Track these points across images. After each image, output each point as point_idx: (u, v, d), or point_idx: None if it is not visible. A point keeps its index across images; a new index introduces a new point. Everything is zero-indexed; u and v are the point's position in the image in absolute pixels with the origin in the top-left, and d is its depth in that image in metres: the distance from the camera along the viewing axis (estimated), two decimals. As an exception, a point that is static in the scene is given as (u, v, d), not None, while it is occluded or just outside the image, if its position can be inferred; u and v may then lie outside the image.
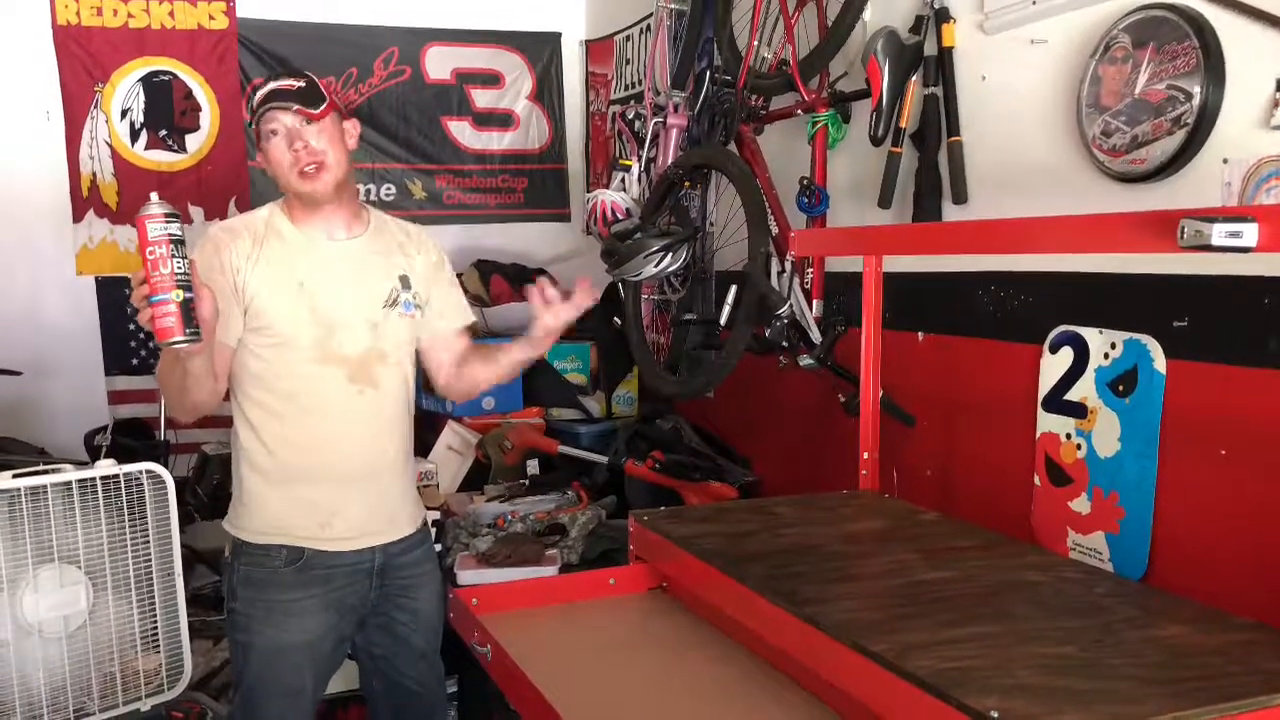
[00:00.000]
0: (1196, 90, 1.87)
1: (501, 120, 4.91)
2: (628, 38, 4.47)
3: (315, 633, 2.08)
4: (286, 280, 2.02)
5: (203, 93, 4.46)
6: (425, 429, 3.68)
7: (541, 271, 4.58)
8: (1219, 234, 1.34)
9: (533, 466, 3.58)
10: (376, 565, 2.14)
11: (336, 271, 2.08)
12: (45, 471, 2.38)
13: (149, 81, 4.40)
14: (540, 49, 4.92)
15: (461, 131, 4.83)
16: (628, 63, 4.49)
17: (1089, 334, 2.14)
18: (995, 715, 1.22)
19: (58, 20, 4.23)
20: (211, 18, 4.42)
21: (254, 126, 2.06)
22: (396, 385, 2.16)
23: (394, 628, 2.21)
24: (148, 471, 2.49)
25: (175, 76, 4.42)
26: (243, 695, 2.11)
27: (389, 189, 4.72)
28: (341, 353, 2.06)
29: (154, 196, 1.76)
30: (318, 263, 2.07)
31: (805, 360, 2.74)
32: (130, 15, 4.32)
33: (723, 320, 2.83)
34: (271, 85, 2.02)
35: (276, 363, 2.03)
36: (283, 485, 2.07)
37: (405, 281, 2.16)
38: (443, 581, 2.33)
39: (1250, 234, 1.34)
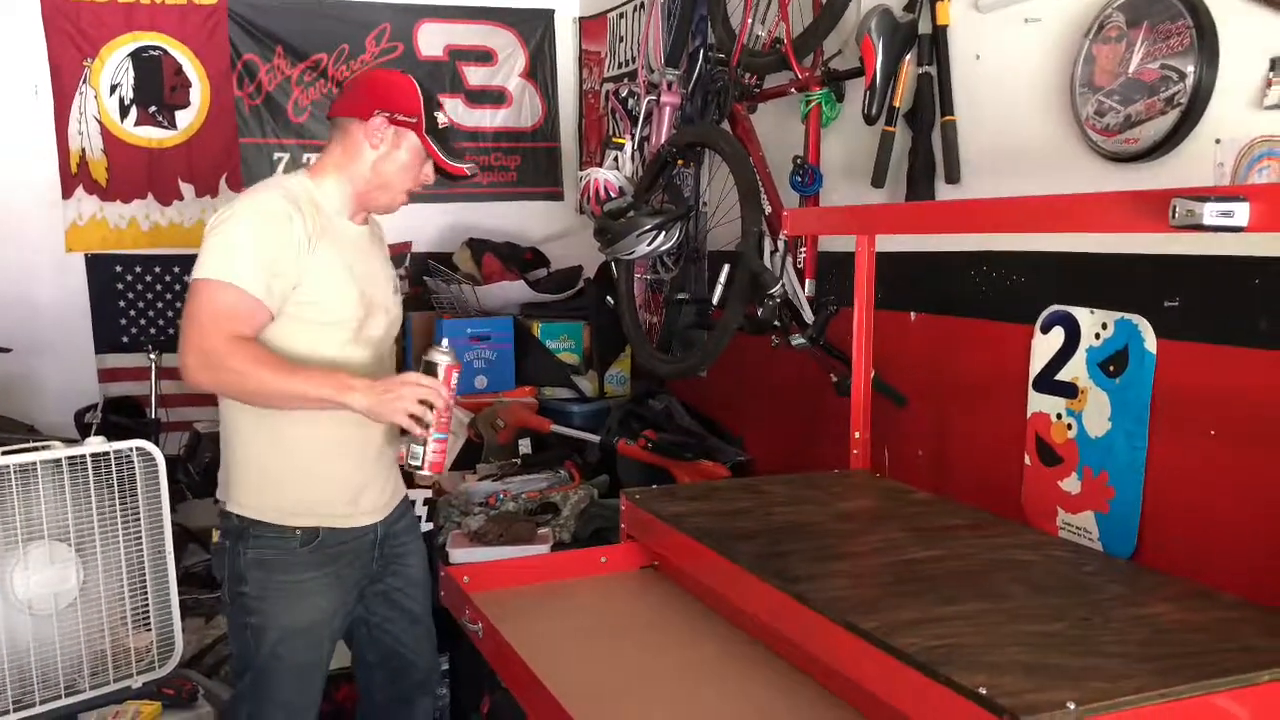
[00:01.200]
0: (1190, 70, 1.86)
1: (494, 98, 4.89)
2: (621, 15, 4.44)
3: (328, 610, 2.11)
4: (338, 262, 2.04)
5: (193, 69, 4.43)
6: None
7: (535, 250, 4.58)
8: (1211, 213, 1.34)
9: (525, 445, 3.59)
10: (379, 537, 2.19)
11: (366, 257, 2.14)
12: (35, 449, 2.37)
13: (139, 57, 4.37)
14: (534, 26, 4.89)
15: (454, 109, 4.80)
16: (621, 40, 4.46)
17: (1080, 314, 2.14)
18: (984, 692, 1.22)
19: (46, -6, 4.20)
20: (201, -8, 4.39)
21: (392, 127, 2.04)
22: (395, 363, 2.26)
23: (390, 594, 2.25)
24: (138, 449, 2.49)
25: (165, 52, 4.39)
26: (254, 676, 2.10)
27: (380, 167, 4.70)
28: (368, 334, 2.11)
29: (446, 343, 2.03)
30: (353, 246, 2.11)
31: (797, 340, 2.74)
32: (119, -11, 4.29)
33: (715, 299, 2.83)
34: (447, 120, 2.12)
35: (314, 339, 2.03)
36: (313, 463, 2.07)
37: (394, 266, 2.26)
38: (424, 543, 2.39)
39: (1242, 213, 1.34)
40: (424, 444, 1.97)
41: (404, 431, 1.99)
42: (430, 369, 1.97)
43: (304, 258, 1.96)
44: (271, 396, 1.93)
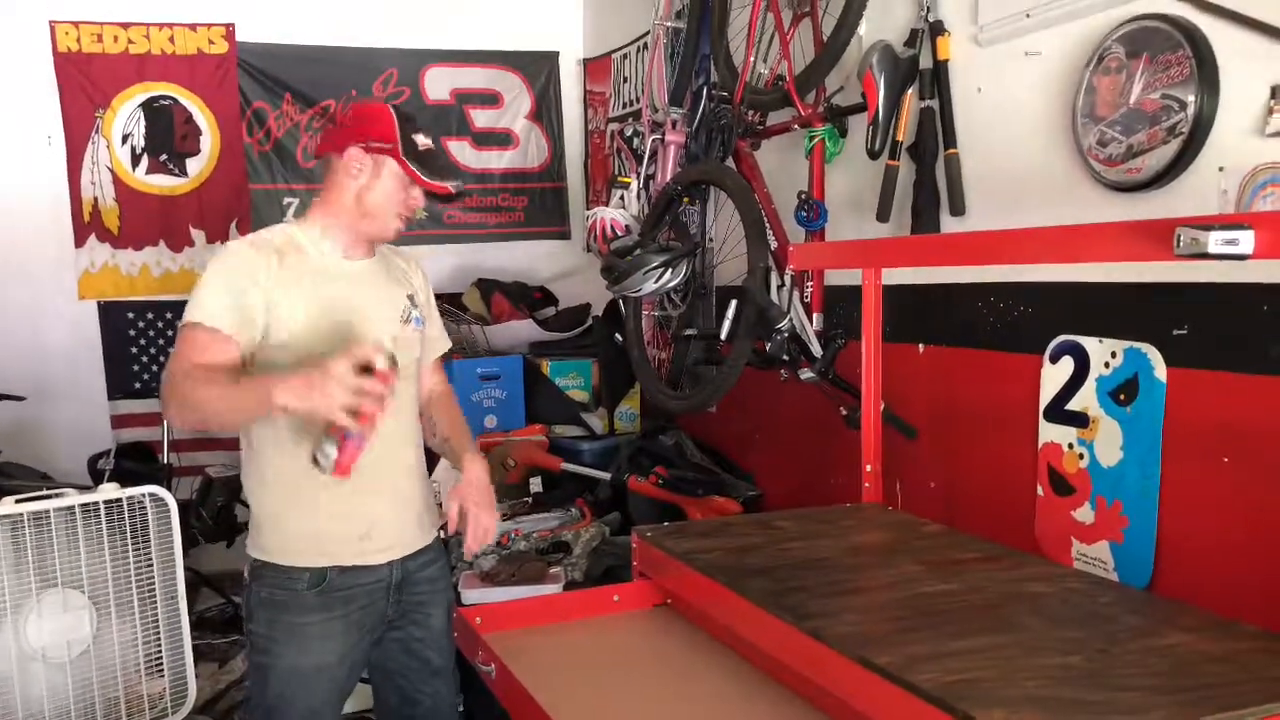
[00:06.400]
0: (1191, 99, 1.87)
1: (501, 140, 4.94)
2: (625, 56, 4.49)
3: (336, 655, 2.08)
4: (311, 297, 2.03)
5: (203, 117, 4.48)
6: (427, 448, 3.69)
7: (543, 289, 4.60)
8: (1215, 242, 1.34)
9: (536, 484, 3.59)
10: (395, 581, 2.13)
11: (357, 289, 2.11)
12: (48, 496, 2.38)
13: (150, 106, 4.43)
14: (538, 68, 4.95)
15: (461, 151, 4.85)
16: (625, 81, 4.51)
17: (1089, 343, 2.14)
18: (1001, 727, 1.21)
19: (58, 47, 4.27)
20: (211, 42, 4.45)
21: (370, 156, 2.04)
22: (411, 396, 2.20)
23: (409, 644, 2.20)
24: (150, 495, 2.50)
25: (176, 101, 4.45)
26: (261, 717, 2.10)
27: (389, 209, 4.73)
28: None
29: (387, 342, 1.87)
30: (339, 280, 2.09)
31: (806, 374, 2.74)
32: (130, 41, 4.36)
33: (723, 335, 2.84)
34: (428, 142, 2.10)
35: None
36: (314, 502, 2.06)
37: (413, 299, 2.21)
38: (452, 594, 2.31)
39: (1246, 241, 1.34)
40: (340, 444, 1.83)
41: (328, 429, 1.85)
42: (368, 370, 1.80)
43: (269, 294, 1.97)
44: (217, 414, 1.90)
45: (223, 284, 1.98)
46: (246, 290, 1.96)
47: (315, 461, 1.87)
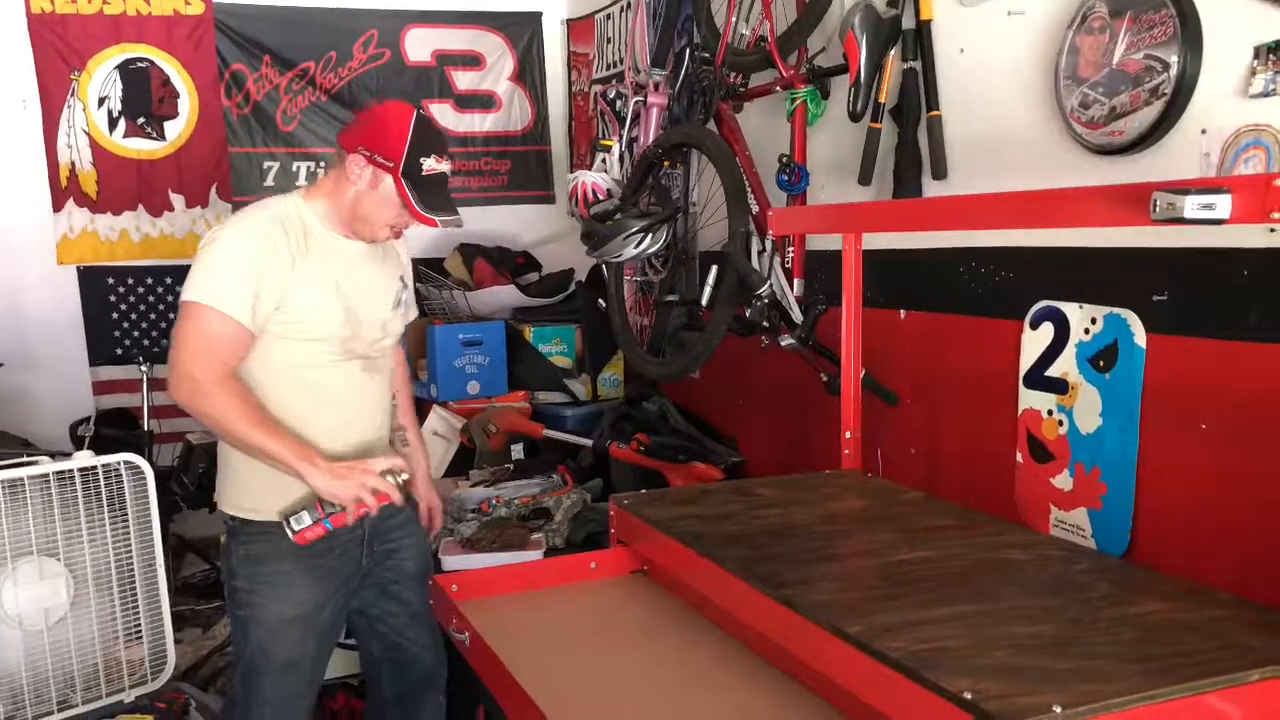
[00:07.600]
0: (1174, 60, 1.84)
1: (483, 102, 4.88)
2: (608, 16, 4.43)
3: (313, 603, 2.11)
4: (324, 281, 2.06)
5: (180, 79, 4.41)
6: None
7: (526, 254, 4.56)
8: (1191, 206, 1.33)
9: (518, 450, 3.58)
10: (367, 535, 2.18)
11: (360, 274, 2.14)
12: (22, 464, 2.36)
13: (126, 69, 4.36)
14: (521, 29, 4.88)
15: (443, 114, 4.79)
16: (609, 41, 4.45)
17: (1069, 309, 2.12)
18: (969, 696, 1.21)
19: (31, 8, 4.19)
20: (187, 3, 4.37)
21: (370, 167, 2.04)
22: (390, 365, 2.28)
23: (386, 587, 2.26)
24: (126, 463, 2.48)
25: (152, 63, 4.38)
26: (243, 670, 2.13)
27: (371, 173, 4.68)
28: (355, 350, 2.13)
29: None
30: (345, 264, 2.12)
31: (786, 340, 2.72)
32: (105, 2, 4.28)
33: (704, 301, 2.81)
34: (437, 168, 2.08)
35: (298, 355, 2.06)
36: None
37: (403, 281, 2.29)
38: (424, 538, 2.37)
39: (1223, 206, 1.32)
40: (318, 520, 1.98)
41: (320, 503, 1.99)
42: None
43: (287, 278, 2.00)
44: (239, 442, 1.98)
45: (242, 269, 1.97)
46: (265, 277, 1.98)
47: (285, 522, 1.99)
